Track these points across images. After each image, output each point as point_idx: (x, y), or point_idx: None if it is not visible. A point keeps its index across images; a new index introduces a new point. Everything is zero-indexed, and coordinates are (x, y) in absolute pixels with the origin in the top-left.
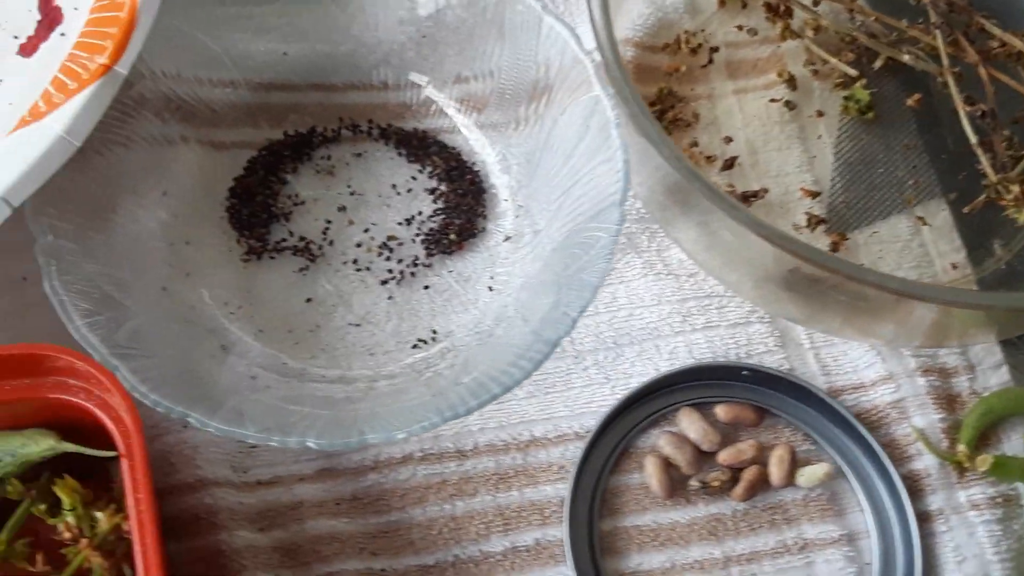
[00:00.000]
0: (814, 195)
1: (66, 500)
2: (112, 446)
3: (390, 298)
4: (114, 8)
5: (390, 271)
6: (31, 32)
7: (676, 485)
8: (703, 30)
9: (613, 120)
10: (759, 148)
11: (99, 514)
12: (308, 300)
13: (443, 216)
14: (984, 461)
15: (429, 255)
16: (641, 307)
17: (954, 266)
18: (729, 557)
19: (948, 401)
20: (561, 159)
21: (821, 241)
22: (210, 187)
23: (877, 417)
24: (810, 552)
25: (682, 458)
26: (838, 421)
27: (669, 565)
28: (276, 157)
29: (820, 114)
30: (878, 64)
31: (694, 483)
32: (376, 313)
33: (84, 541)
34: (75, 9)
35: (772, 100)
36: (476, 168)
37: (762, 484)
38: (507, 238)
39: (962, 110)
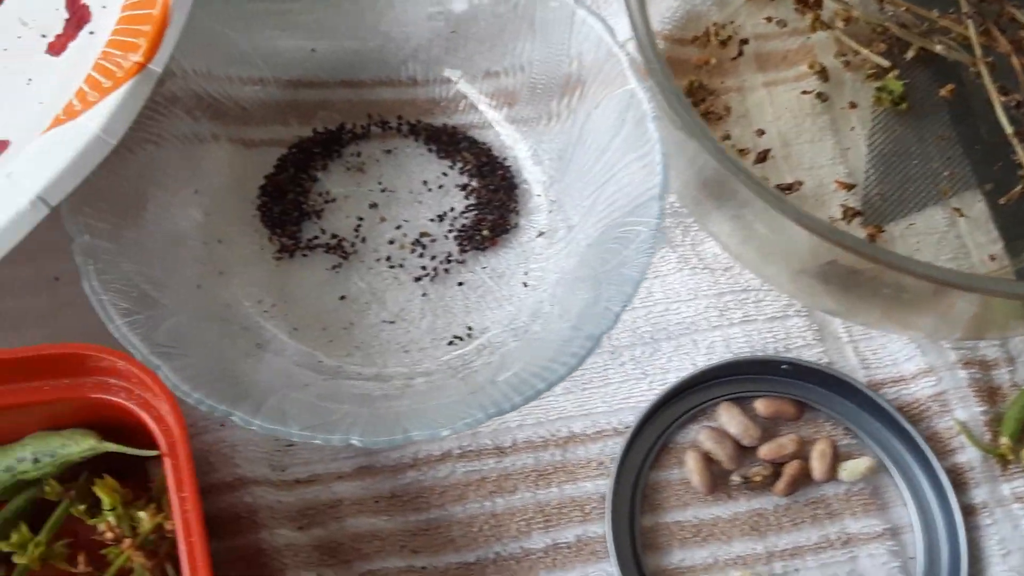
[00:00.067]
0: (849, 187)
1: (106, 500)
2: (152, 445)
3: (424, 295)
4: (147, 5)
5: (423, 268)
6: (59, 31)
7: (717, 480)
8: (732, 22)
9: (650, 113)
10: (791, 141)
11: (142, 514)
12: (342, 298)
13: (475, 212)
14: None
15: (462, 251)
16: (677, 302)
17: (992, 257)
18: (772, 552)
19: (989, 394)
20: (595, 154)
21: (857, 233)
22: (241, 185)
23: (918, 410)
24: (853, 547)
25: (723, 453)
26: (879, 415)
27: (712, 561)
28: (306, 155)
29: (853, 106)
30: (910, 55)
31: (736, 478)
32: (410, 310)
33: (127, 541)
34: (103, 7)
35: (804, 92)
36: (507, 163)
37: (804, 479)
38: (540, 234)
39: (996, 100)
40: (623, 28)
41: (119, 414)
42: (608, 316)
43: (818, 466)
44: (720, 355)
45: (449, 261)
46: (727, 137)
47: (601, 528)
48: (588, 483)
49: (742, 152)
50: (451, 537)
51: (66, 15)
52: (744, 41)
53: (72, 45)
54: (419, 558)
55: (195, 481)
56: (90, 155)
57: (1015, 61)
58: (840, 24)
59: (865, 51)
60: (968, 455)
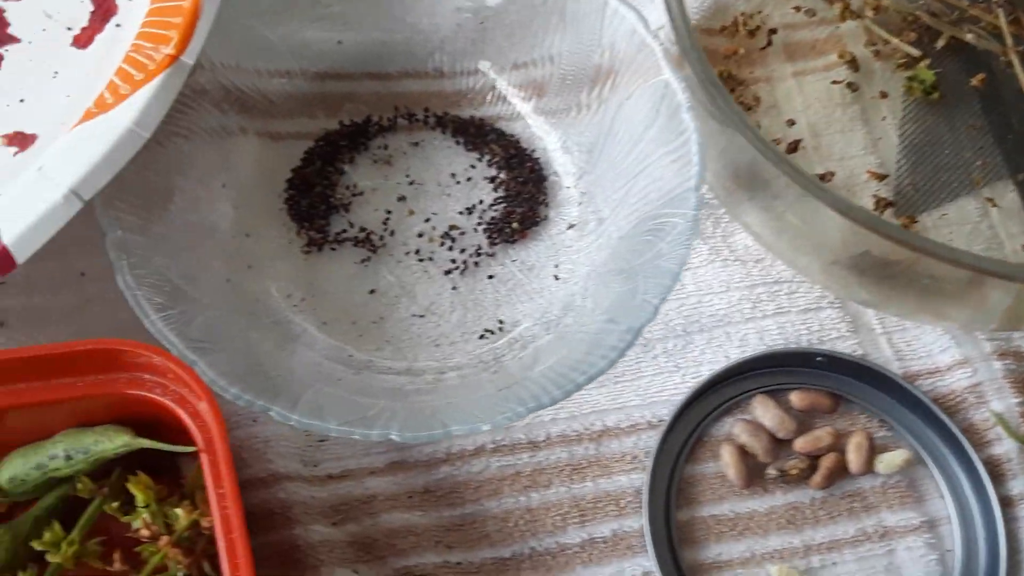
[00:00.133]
0: (881, 178)
1: (140, 497)
2: (185, 441)
3: (454, 288)
4: None
5: (453, 261)
6: (85, 23)
7: (753, 474)
8: (759, 11)
9: (684, 104)
10: (821, 131)
11: (178, 511)
12: (371, 292)
13: (504, 204)
14: None
15: (492, 244)
16: (709, 294)
17: None
18: (809, 546)
19: None
20: (627, 145)
21: None
22: (268, 178)
23: (954, 402)
24: (891, 540)
25: (758, 446)
26: (915, 407)
27: (749, 555)
28: (333, 147)
29: (883, 95)
30: (940, 44)
31: (772, 471)
32: (440, 304)
33: (164, 539)
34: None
35: (834, 82)
36: (536, 155)
37: (840, 472)
38: (571, 226)
39: None
40: (653, 18)
41: (151, 410)
42: (647, 309)
43: (855, 459)
44: (753, 347)
45: (479, 254)
46: (757, 127)
47: (636, 522)
48: (622, 477)
49: (774, 143)
50: (486, 532)
51: (91, 7)
52: (773, 31)
53: (99, 38)
54: (454, 553)
55: (234, 477)
56: (123, 148)
57: None
58: (869, 13)
59: (895, 40)
60: (1005, 446)
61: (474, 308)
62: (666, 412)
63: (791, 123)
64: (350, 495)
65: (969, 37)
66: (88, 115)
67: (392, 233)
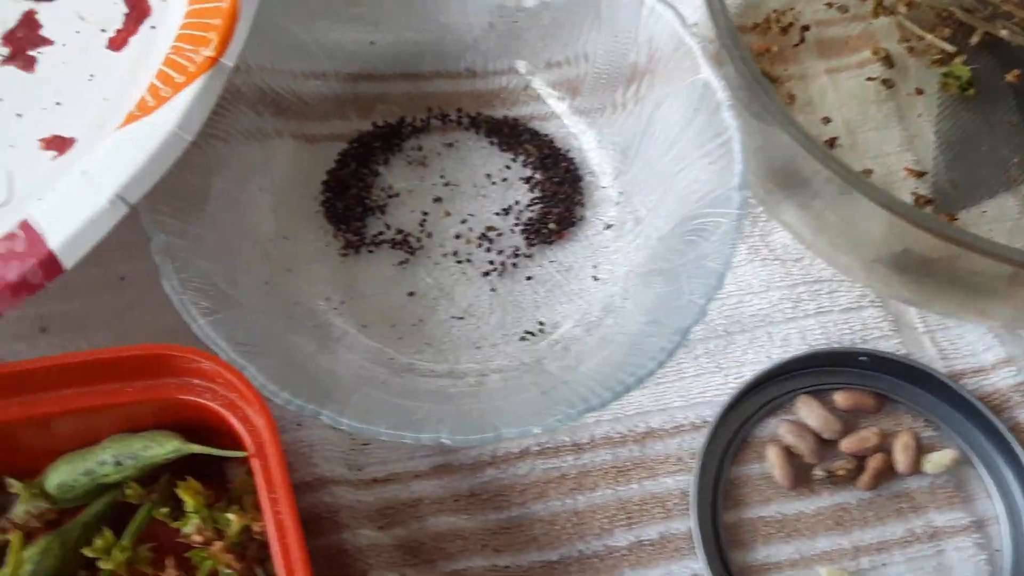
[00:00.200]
0: (919, 175)
1: (190, 502)
2: (231, 445)
3: (493, 290)
4: None
5: (491, 262)
6: (119, 25)
7: (799, 475)
8: (791, 8)
9: (725, 102)
10: (856, 128)
11: (230, 516)
12: (410, 294)
13: (541, 205)
14: None
15: (530, 245)
16: (750, 294)
17: None
18: (858, 547)
19: None
20: (664, 145)
21: None
22: (304, 181)
23: (1000, 401)
24: (940, 540)
25: (804, 447)
26: (960, 406)
27: (797, 557)
28: (367, 149)
29: (919, 92)
30: (974, 40)
31: (819, 472)
32: (479, 306)
33: (217, 544)
34: (163, 1)
35: (869, 78)
36: (571, 155)
37: (887, 472)
38: (608, 226)
39: None
40: (684, 15)
41: (198, 415)
42: (693, 309)
43: (902, 459)
44: (795, 347)
45: (516, 255)
46: None
47: (683, 524)
48: (668, 479)
49: None
50: (533, 535)
51: (125, 9)
52: (805, 27)
53: (133, 40)
54: (502, 557)
55: (288, 481)
56: (167, 152)
57: None
58: (902, 9)
59: (929, 36)
60: None
61: (513, 310)
62: (709, 413)
63: (826, 121)
64: (396, 499)
65: (1003, 33)
66: (130, 118)
67: (429, 235)
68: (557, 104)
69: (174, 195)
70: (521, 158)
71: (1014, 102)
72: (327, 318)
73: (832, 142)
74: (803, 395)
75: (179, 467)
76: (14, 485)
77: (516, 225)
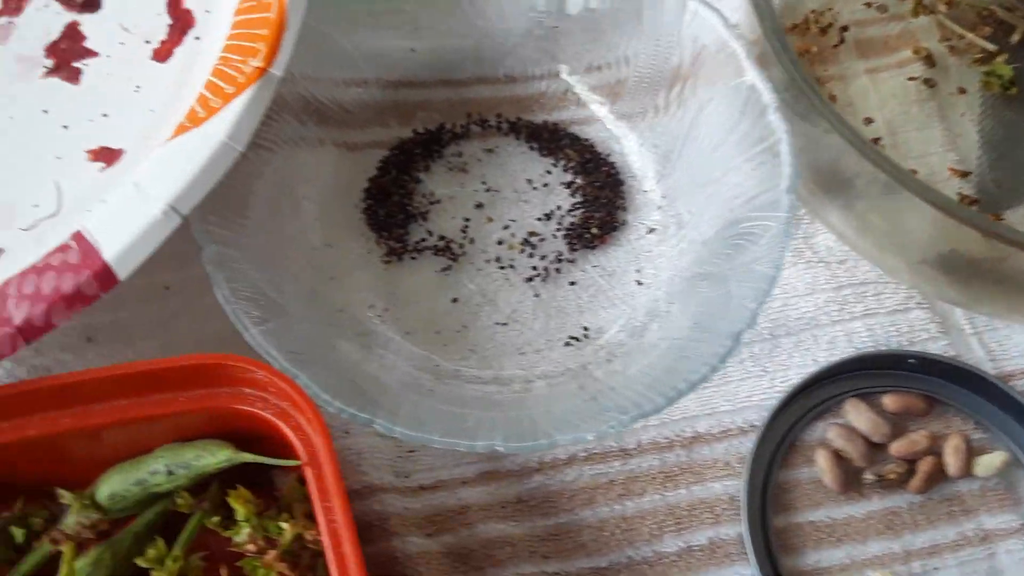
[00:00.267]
0: (963, 175)
1: (241, 511)
2: (284, 454)
3: (536, 296)
4: (262, 9)
5: (534, 268)
6: (163, 36)
7: (849, 479)
8: (830, 9)
9: (772, 105)
10: (898, 128)
11: (283, 524)
12: (454, 300)
13: (582, 210)
14: None
15: (572, 250)
16: (795, 296)
17: None
18: (909, 552)
19: None
20: (708, 148)
21: None
22: (346, 189)
23: None
24: (991, 543)
25: (854, 451)
26: (1010, 408)
27: (848, 561)
28: (407, 156)
29: (962, 91)
30: (1015, 38)
31: (869, 476)
32: (523, 311)
33: (271, 553)
34: (207, 12)
35: (910, 78)
36: (611, 159)
37: (938, 475)
38: (651, 230)
39: None
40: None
41: (248, 424)
42: (744, 314)
43: (953, 462)
44: (842, 350)
45: (559, 260)
46: None
47: (732, 530)
48: (716, 484)
49: None
50: (582, 542)
51: (169, 20)
52: (844, 28)
53: (178, 51)
54: (551, 564)
55: (344, 490)
56: (218, 162)
57: None
58: (942, 8)
59: (970, 35)
60: None
61: (557, 315)
62: (756, 417)
63: (868, 121)
64: (444, 506)
65: None
66: (180, 129)
67: (471, 241)
68: (598, 108)
69: (223, 205)
70: (562, 163)
71: None
72: (372, 325)
73: (875, 142)
74: (851, 398)
75: (228, 476)
76: (65, 496)
77: (558, 230)
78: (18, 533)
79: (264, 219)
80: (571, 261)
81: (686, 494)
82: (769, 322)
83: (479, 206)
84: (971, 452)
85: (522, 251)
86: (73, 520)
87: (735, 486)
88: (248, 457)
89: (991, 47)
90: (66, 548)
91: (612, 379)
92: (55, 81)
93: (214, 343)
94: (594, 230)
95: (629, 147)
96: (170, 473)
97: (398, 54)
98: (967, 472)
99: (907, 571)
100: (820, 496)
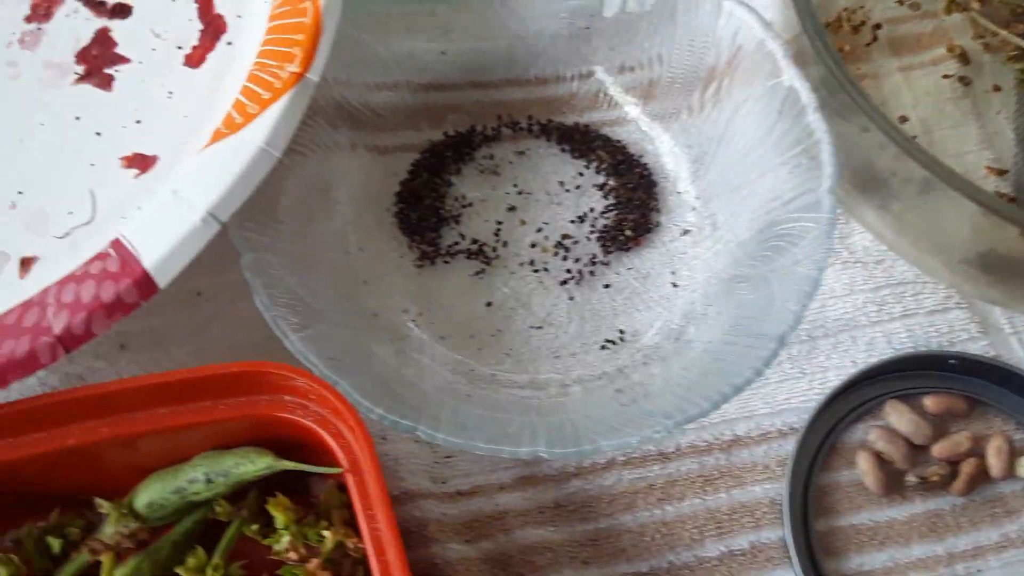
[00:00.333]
0: (1000, 173)
1: (280, 519)
2: (323, 461)
3: (570, 299)
4: (297, 15)
5: (568, 271)
6: (195, 42)
7: (891, 481)
8: (862, 7)
9: (811, 104)
10: (933, 127)
11: (325, 532)
12: (488, 304)
13: (616, 212)
14: None
15: (606, 252)
16: (832, 297)
17: None
18: (952, 554)
19: None
20: (743, 148)
21: None
22: (378, 193)
23: None
24: None
25: (896, 453)
26: None
27: (891, 565)
28: (438, 159)
29: (997, 88)
30: None
31: (912, 478)
32: (557, 315)
33: (313, 561)
34: (238, 17)
35: (944, 76)
36: (644, 160)
37: (981, 477)
38: (685, 232)
39: None
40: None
41: (287, 431)
42: (788, 316)
43: (996, 463)
44: (880, 351)
45: (593, 263)
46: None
47: (773, 534)
48: (756, 487)
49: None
50: (622, 547)
51: (200, 26)
52: (877, 26)
53: (210, 56)
54: (591, 569)
55: (387, 497)
56: (256, 169)
57: None
58: (975, 5)
59: (1004, 32)
60: None
61: (592, 318)
62: (795, 420)
63: (903, 120)
64: (481, 511)
65: None
66: (217, 135)
67: (504, 244)
68: (631, 109)
69: (259, 211)
70: (594, 164)
71: None
72: (406, 330)
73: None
74: (892, 400)
75: (265, 483)
76: (103, 505)
77: (592, 232)
78: (55, 543)
79: (298, 224)
80: (605, 263)
81: (726, 498)
82: (807, 324)
83: (511, 209)
84: (1014, 453)
85: (555, 254)
86: (111, 529)
87: (775, 489)
88: (288, 465)
89: None
90: (105, 558)
91: (650, 383)
92: (87, 88)
93: (247, 349)
94: (628, 232)
95: (662, 148)
96: (209, 481)
97: (429, 57)
98: (1010, 473)
99: (951, 574)
100: (862, 499)
